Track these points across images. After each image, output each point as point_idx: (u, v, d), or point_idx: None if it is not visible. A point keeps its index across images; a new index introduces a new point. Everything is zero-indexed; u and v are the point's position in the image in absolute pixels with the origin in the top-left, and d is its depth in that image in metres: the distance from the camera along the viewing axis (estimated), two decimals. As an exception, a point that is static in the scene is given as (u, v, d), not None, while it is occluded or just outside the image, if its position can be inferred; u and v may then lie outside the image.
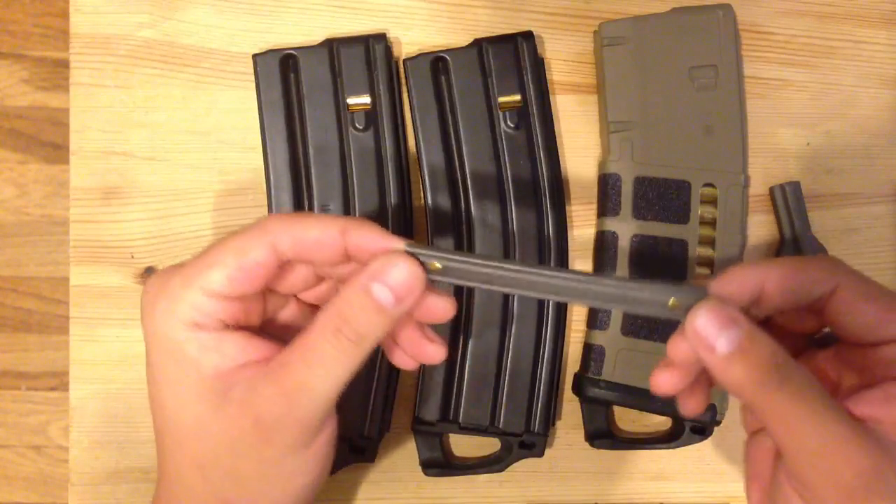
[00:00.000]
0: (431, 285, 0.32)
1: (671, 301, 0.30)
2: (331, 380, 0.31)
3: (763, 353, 0.29)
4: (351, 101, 0.43)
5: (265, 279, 0.32)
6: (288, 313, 0.36)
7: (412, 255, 0.31)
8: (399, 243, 0.31)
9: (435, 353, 0.33)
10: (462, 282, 0.31)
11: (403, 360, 0.34)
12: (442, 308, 0.32)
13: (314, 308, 0.36)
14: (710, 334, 0.29)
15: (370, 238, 0.31)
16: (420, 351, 0.33)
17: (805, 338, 0.35)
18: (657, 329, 0.43)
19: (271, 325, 0.36)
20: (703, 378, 0.33)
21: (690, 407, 0.33)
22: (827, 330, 0.35)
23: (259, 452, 0.32)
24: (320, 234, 0.31)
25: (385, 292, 0.30)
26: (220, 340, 0.32)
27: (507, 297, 0.44)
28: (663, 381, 0.32)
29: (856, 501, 0.29)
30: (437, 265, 0.31)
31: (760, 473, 0.34)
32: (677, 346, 0.31)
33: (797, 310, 0.33)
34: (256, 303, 0.34)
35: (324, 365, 0.31)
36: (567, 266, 0.45)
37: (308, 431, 0.32)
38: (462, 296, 0.44)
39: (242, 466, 0.32)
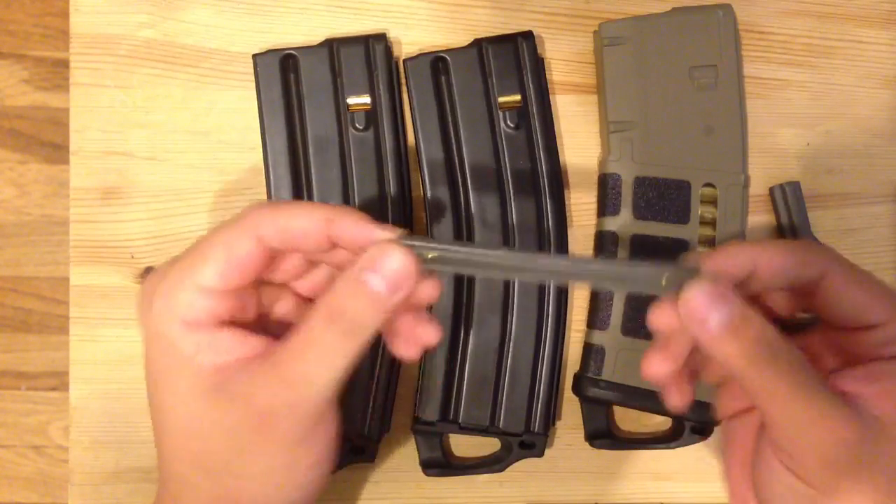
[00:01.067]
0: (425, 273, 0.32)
1: (664, 279, 0.31)
2: (330, 370, 0.31)
3: (754, 330, 0.30)
4: (351, 101, 0.43)
5: (256, 270, 0.32)
6: (284, 306, 0.36)
7: (414, 250, 0.31)
8: (383, 233, 0.31)
9: (430, 333, 0.33)
10: (457, 269, 0.31)
11: (405, 348, 0.34)
12: (427, 291, 0.32)
13: (309, 301, 0.36)
14: (702, 310, 0.30)
15: (355, 228, 0.31)
16: (414, 335, 0.33)
17: (785, 320, 0.36)
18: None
19: (267, 320, 0.36)
20: (687, 372, 0.34)
21: (676, 401, 0.34)
22: (805, 315, 0.36)
23: (260, 446, 0.32)
24: (305, 223, 0.31)
25: (379, 282, 0.30)
26: (215, 338, 0.32)
27: (506, 297, 0.44)
28: (654, 365, 0.33)
29: (837, 469, 0.30)
30: (430, 255, 0.31)
31: (741, 450, 0.35)
32: (659, 316, 0.32)
33: (781, 292, 0.35)
34: (250, 295, 0.34)
35: (322, 355, 0.31)
36: (567, 247, 0.44)
37: (308, 421, 0.32)
38: (462, 296, 0.44)
39: (244, 461, 0.32)
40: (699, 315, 0.30)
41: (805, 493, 0.31)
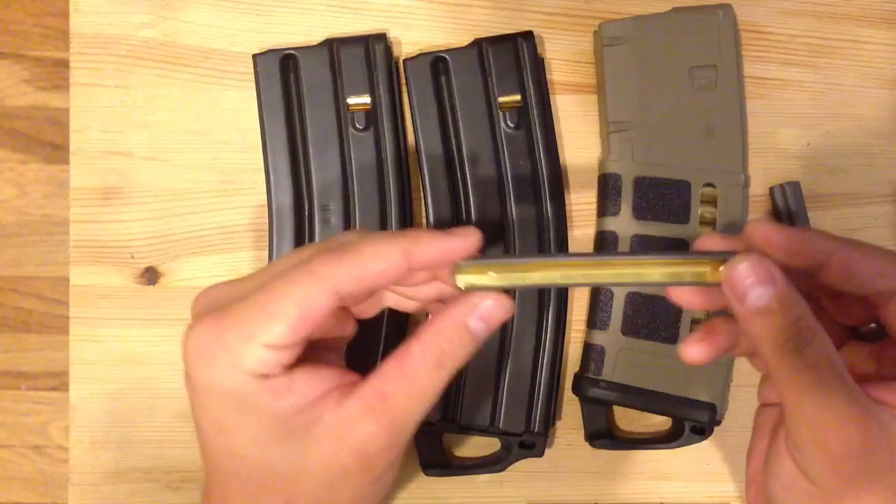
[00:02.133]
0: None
1: (720, 268, 0.30)
2: (428, 406, 0.32)
3: (788, 317, 0.29)
4: (351, 101, 0.43)
5: (328, 320, 0.32)
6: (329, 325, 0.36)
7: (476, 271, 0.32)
8: (461, 241, 0.31)
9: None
10: (524, 283, 0.32)
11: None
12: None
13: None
14: (745, 284, 0.30)
15: (433, 250, 0.31)
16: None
17: (850, 329, 0.36)
18: (657, 329, 0.43)
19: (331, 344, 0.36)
20: (723, 337, 0.33)
21: (694, 352, 0.33)
22: (873, 326, 0.35)
23: (358, 480, 0.32)
24: (384, 266, 0.31)
25: (480, 325, 0.32)
26: (290, 382, 0.31)
27: (507, 297, 0.44)
28: (692, 354, 0.33)
29: (841, 473, 0.30)
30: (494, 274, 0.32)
31: (760, 441, 0.35)
32: (682, 291, 0.32)
33: (847, 298, 0.34)
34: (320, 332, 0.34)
35: (425, 396, 0.32)
36: (567, 247, 0.44)
37: (404, 454, 0.34)
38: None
39: (339, 496, 0.33)
40: (740, 289, 0.30)
41: (809, 491, 0.31)
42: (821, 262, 0.32)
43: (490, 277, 0.31)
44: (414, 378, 0.32)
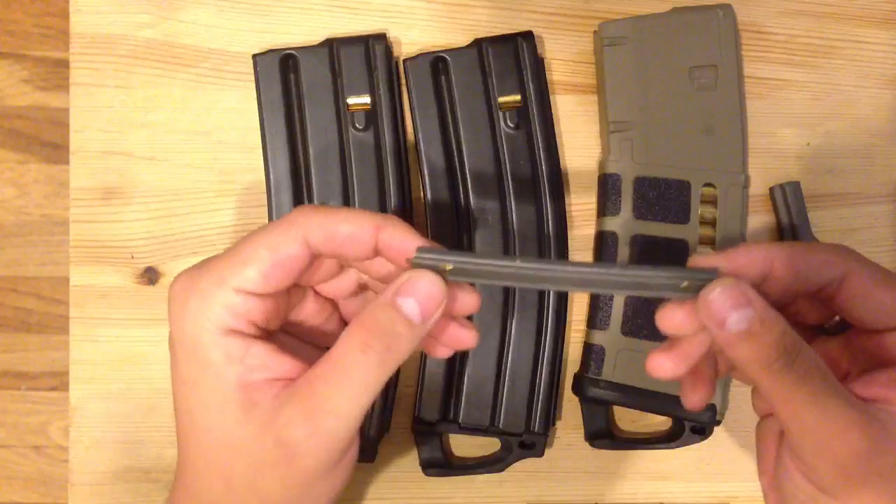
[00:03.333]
0: (455, 283, 0.31)
1: (684, 283, 0.30)
2: (356, 399, 0.30)
3: (772, 336, 0.29)
4: (351, 101, 0.43)
5: (298, 274, 0.32)
6: (307, 309, 0.36)
7: (431, 261, 0.30)
8: (425, 244, 0.31)
9: (467, 337, 0.33)
10: (476, 280, 0.31)
11: (442, 351, 0.34)
12: (469, 301, 0.32)
13: (330, 302, 0.36)
14: (722, 310, 0.29)
15: (402, 237, 0.31)
16: (456, 339, 0.33)
17: (814, 328, 0.36)
18: (657, 329, 0.43)
19: (290, 323, 0.35)
20: (707, 370, 0.33)
21: (695, 400, 0.33)
22: (837, 319, 0.35)
23: (283, 473, 0.31)
24: (354, 229, 0.31)
25: (412, 305, 0.30)
26: (246, 351, 0.31)
27: (507, 298, 0.44)
28: (660, 364, 0.32)
29: (851, 479, 0.30)
30: (448, 267, 0.31)
31: (767, 454, 0.34)
32: (667, 318, 0.31)
33: (808, 299, 0.34)
34: (283, 300, 0.34)
35: (349, 383, 0.30)
36: (567, 246, 0.44)
37: (333, 455, 0.31)
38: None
39: (267, 486, 0.31)
40: (719, 315, 0.29)
41: (820, 499, 0.31)
42: (766, 272, 0.31)
43: (446, 275, 0.31)
44: (337, 362, 0.30)
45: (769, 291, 0.32)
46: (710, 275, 0.30)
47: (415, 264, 0.31)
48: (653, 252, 0.44)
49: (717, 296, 0.29)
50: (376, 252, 0.32)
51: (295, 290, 0.35)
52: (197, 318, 0.31)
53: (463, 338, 0.33)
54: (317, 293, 0.36)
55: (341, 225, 0.31)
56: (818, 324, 0.35)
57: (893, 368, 0.32)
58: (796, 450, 0.31)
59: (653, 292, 0.31)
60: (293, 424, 0.30)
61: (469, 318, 0.43)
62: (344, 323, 0.37)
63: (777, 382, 0.29)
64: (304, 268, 0.32)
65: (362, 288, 0.36)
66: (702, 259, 0.31)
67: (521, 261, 0.30)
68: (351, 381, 0.30)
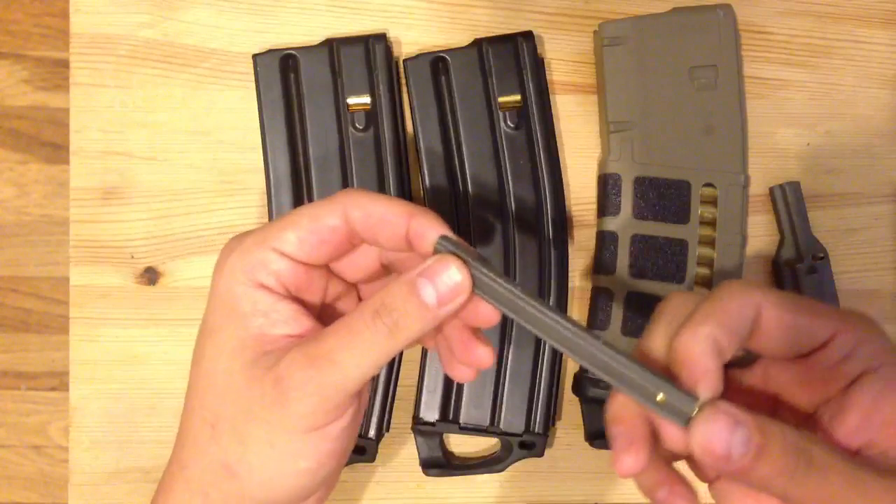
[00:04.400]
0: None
1: (660, 396, 0.29)
2: (359, 360, 0.31)
3: (781, 443, 0.27)
4: (351, 101, 0.43)
5: (335, 249, 0.33)
6: (346, 304, 0.36)
7: (462, 260, 0.31)
8: (450, 240, 0.31)
9: (484, 355, 0.33)
10: (494, 304, 0.31)
11: (461, 371, 0.34)
12: (486, 313, 0.32)
13: (353, 287, 0.37)
14: (722, 444, 0.27)
15: (430, 225, 0.31)
16: (469, 353, 0.33)
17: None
18: (657, 329, 0.43)
19: (329, 313, 0.36)
20: (675, 470, 0.32)
21: (629, 464, 0.30)
22: (742, 352, 0.33)
23: (272, 415, 0.31)
24: (388, 212, 0.32)
25: (430, 291, 0.30)
26: (273, 306, 0.32)
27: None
28: (628, 463, 0.30)
29: None
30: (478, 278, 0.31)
31: None
32: (619, 407, 0.31)
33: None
34: (320, 278, 0.34)
35: (355, 344, 0.31)
36: (567, 267, 0.45)
37: (327, 410, 0.31)
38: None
39: (252, 430, 0.32)
40: (720, 451, 0.27)
41: None
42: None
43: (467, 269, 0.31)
44: (348, 322, 0.31)
45: (755, 348, 0.30)
46: (690, 400, 0.28)
47: (436, 251, 0.31)
48: (653, 252, 0.44)
49: (710, 431, 0.27)
50: (408, 241, 0.32)
51: (337, 283, 0.35)
52: (233, 271, 0.32)
53: (480, 355, 0.33)
54: (339, 279, 0.36)
55: (378, 205, 0.32)
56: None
57: (855, 409, 0.30)
58: None
59: (630, 391, 0.29)
60: (294, 365, 0.31)
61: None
62: None
63: (806, 487, 0.27)
64: (341, 244, 0.33)
65: (385, 269, 0.36)
66: (678, 298, 0.31)
67: (520, 291, 0.30)
68: (357, 341, 0.31)
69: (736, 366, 0.33)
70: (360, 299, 0.37)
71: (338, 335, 0.31)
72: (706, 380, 0.29)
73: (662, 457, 0.31)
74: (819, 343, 0.31)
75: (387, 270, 0.36)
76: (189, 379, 0.34)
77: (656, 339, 0.31)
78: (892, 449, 0.29)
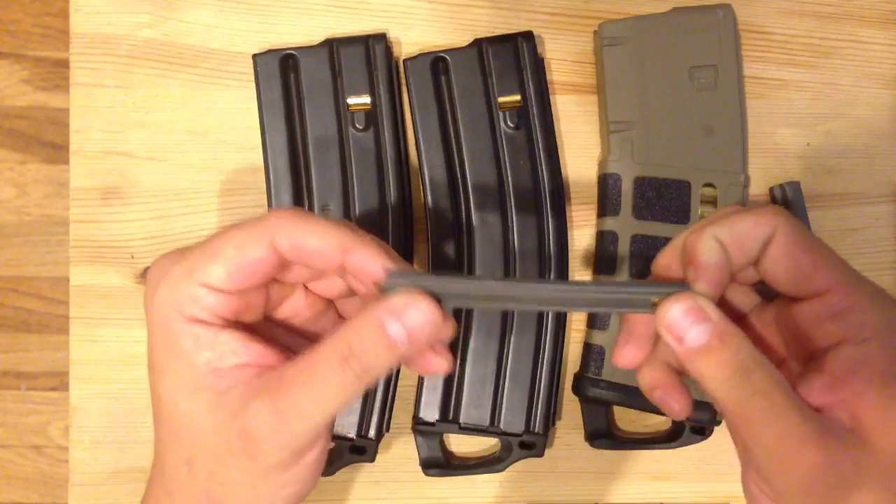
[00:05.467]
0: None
1: (655, 299, 0.30)
2: (326, 407, 0.30)
3: (729, 351, 0.29)
4: (351, 101, 0.43)
5: (265, 275, 0.32)
6: (293, 304, 0.35)
7: (402, 285, 0.30)
8: (395, 270, 0.30)
9: (441, 366, 0.33)
10: (458, 303, 0.31)
11: (418, 368, 0.34)
12: (446, 330, 0.31)
13: (320, 299, 0.36)
14: (681, 326, 0.29)
15: (371, 261, 0.31)
16: (428, 366, 0.33)
17: (750, 289, 0.35)
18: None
19: (278, 314, 0.35)
20: (679, 378, 0.33)
21: (676, 409, 0.33)
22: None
23: (244, 464, 0.31)
24: (320, 245, 0.31)
25: (399, 331, 0.30)
26: (215, 338, 0.31)
27: (507, 297, 0.44)
28: (622, 355, 0.33)
29: (815, 494, 0.29)
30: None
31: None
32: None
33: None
34: (258, 295, 0.33)
35: (322, 391, 0.30)
36: (567, 267, 0.45)
37: (295, 453, 0.31)
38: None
39: (228, 473, 0.31)
40: (677, 331, 0.29)
41: None
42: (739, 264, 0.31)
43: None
44: (314, 369, 0.30)
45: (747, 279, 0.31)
46: (682, 288, 0.30)
47: (385, 288, 0.30)
48: (653, 252, 0.44)
49: (675, 312, 0.29)
50: (343, 270, 0.32)
51: (277, 285, 0.35)
52: (165, 305, 0.31)
53: (435, 365, 0.32)
54: (308, 289, 0.36)
55: (309, 238, 0.31)
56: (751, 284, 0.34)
57: (821, 369, 0.31)
58: (757, 470, 0.30)
59: (630, 308, 0.31)
60: (259, 419, 0.30)
61: (468, 315, 0.43)
62: (340, 317, 0.37)
63: (734, 398, 0.29)
64: (271, 270, 0.32)
65: (352, 290, 0.36)
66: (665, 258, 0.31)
67: (494, 281, 0.30)
68: (324, 389, 0.30)
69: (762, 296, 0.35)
70: (307, 291, 0.35)
71: (305, 384, 0.30)
72: (705, 274, 0.30)
73: (666, 364, 0.33)
74: (814, 292, 0.31)
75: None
76: (154, 412, 0.33)
77: (669, 252, 0.32)
78: (849, 420, 0.30)
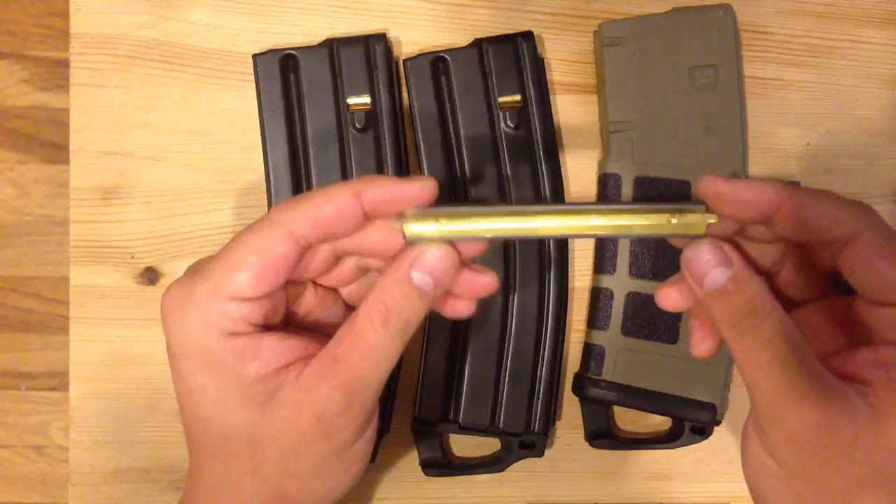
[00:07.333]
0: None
1: (674, 220, 0.31)
2: (383, 367, 0.32)
3: (743, 296, 0.30)
4: (351, 101, 0.43)
5: (288, 270, 0.32)
6: (305, 301, 0.36)
7: (421, 216, 0.31)
8: (413, 185, 0.31)
9: (488, 282, 0.33)
10: (468, 235, 0.31)
11: (455, 306, 0.34)
12: (472, 248, 0.33)
13: (332, 291, 0.36)
14: (702, 268, 0.30)
15: (384, 191, 0.31)
16: (472, 287, 0.33)
17: (829, 277, 0.34)
18: (657, 329, 0.43)
19: (293, 316, 0.36)
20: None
21: (703, 348, 0.33)
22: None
23: (319, 447, 0.32)
24: (335, 206, 0.31)
25: (425, 278, 0.31)
26: (256, 345, 0.32)
27: (506, 297, 0.44)
28: (667, 296, 0.32)
29: (802, 451, 0.30)
30: (442, 219, 0.31)
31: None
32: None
33: (819, 247, 0.32)
34: (280, 296, 0.34)
35: (377, 354, 0.32)
36: (567, 266, 0.45)
37: (366, 420, 0.33)
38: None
39: (302, 464, 0.33)
40: (698, 273, 0.30)
41: (777, 472, 0.31)
42: (771, 212, 0.30)
43: (439, 226, 0.31)
44: (362, 337, 0.32)
45: (772, 232, 0.31)
46: (698, 207, 0.31)
47: (408, 224, 0.31)
48: (653, 252, 0.44)
49: (697, 254, 0.30)
50: (367, 218, 0.32)
51: (291, 286, 0.35)
52: (199, 329, 0.32)
53: (480, 283, 0.33)
54: (317, 285, 0.36)
55: (323, 208, 0.31)
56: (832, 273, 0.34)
57: (875, 348, 0.31)
58: (756, 415, 0.31)
59: (644, 232, 0.31)
60: (331, 400, 0.32)
61: (466, 323, 0.43)
62: (347, 307, 0.37)
63: (742, 344, 0.30)
64: (295, 263, 0.32)
65: (362, 272, 0.36)
66: (708, 181, 0.31)
67: (505, 205, 0.31)
68: (378, 353, 0.32)
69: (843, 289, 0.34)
70: (316, 287, 0.36)
71: (360, 354, 0.32)
72: (737, 188, 0.30)
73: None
74: (837, 238, 0.30)
75: (339, 259, 0.35)
76: (192, 436, 0.34)
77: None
78: (874, 399, 0.30)
